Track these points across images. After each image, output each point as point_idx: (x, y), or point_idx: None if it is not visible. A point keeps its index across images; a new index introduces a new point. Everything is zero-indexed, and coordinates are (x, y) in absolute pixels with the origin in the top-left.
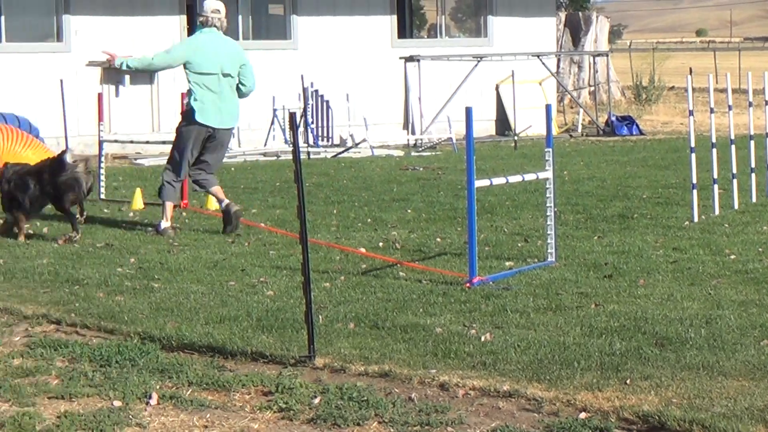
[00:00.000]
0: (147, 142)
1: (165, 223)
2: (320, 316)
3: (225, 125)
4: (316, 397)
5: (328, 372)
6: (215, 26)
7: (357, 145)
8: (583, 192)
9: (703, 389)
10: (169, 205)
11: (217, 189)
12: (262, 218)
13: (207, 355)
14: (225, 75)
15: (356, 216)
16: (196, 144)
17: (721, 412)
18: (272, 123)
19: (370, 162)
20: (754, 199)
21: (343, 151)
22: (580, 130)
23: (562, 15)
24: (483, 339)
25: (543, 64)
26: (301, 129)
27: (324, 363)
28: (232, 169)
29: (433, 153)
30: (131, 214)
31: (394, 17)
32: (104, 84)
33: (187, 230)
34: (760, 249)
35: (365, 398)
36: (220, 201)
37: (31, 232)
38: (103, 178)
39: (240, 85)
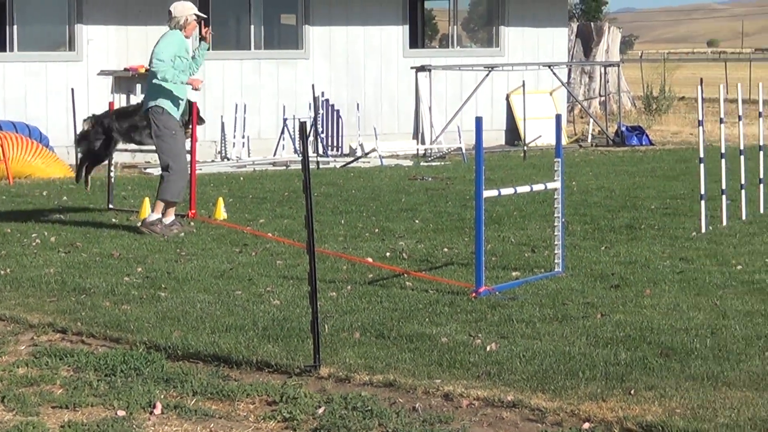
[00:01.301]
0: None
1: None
2: (326, 326)
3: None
4: (320, 407)
5: (333, 381)
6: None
7: (366, 155)
8: (591, 202)
9: (707, 400)
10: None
11: None
12: (269, 228)
13: (212, 364)
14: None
15: (364, 226)
16: None
17: (724, 423)
18: (282, 132)
19: (379, 172)
20: (762, 210)
21: (352, 161)
22: (590, 140)
23: (574, 25)
24: (488, 349)
25: (554, 74)
26: (311, 139)
27: (329, 372)
28: (241, 178)
29: (443, 163)
30: (139, 223)
31: (406, 27)
32: (115, 93)
33: (195, 239)
34: (766, 260)
35: (369, 408)
36: None
37: (38, 241)
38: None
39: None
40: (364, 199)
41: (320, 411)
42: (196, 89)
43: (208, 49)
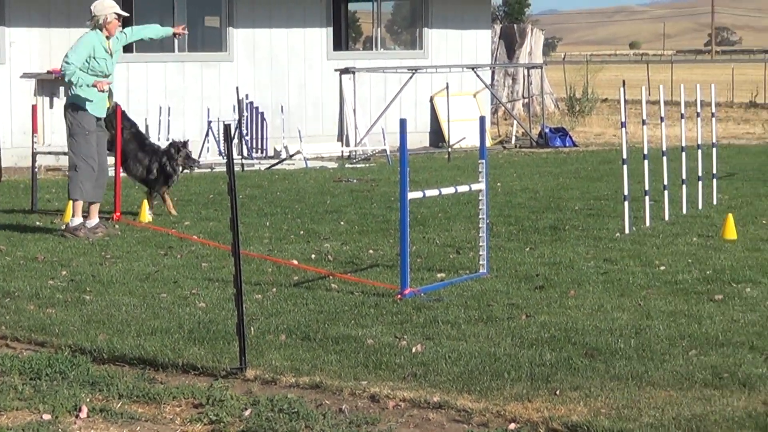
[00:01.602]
0: None
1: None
2: (252, 328)
3: None
4: (246, 409)
5: (259, 384)
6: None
7: (291, 157)
8: (516, 204)
9: (631, 399)
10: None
11: None
12: (195, 230)
13: (138, 367)
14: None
15: (289, 228)
16: None
17: (649, 422)
18: (207, 135)
19: (303, 174)
20: (684, 211)
21: (277, 163)
22: (513, 141)
23: (498, 27)
24: (414, 350)
25: (478, 76)
26: (235, 141)
27: (255, 375)
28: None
29: (367, 165)
30: (64, 226)
31: (330, 29)
32: (39, 96)
33: (120, 242)
34: (689, 260)
35: (296, 410)
36: None
37: None
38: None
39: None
40: (289, 201)
41: (247, 413)
42: (101, 90)
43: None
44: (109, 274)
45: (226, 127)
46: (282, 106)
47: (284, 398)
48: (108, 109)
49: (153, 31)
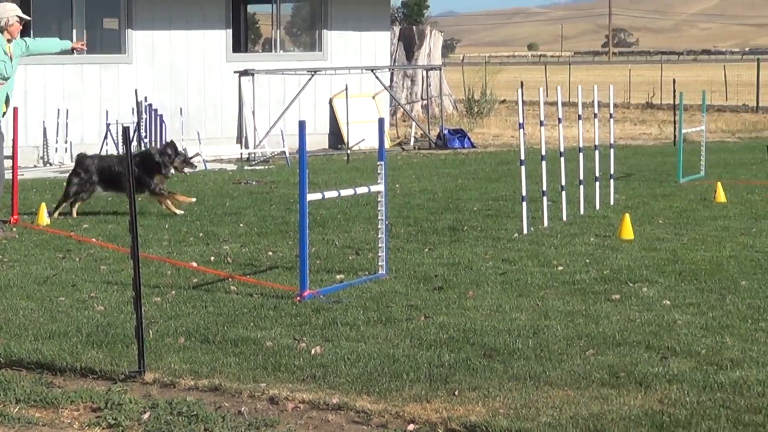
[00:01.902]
0: None
1: None
2: (150, 331)
3: None
4: (145, 412)
5: (158, 387)
6: None
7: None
8: (415, 205)
9: (529, 399)
10: None
11: None
12: (93, 233)
13: (35, 371)
14: None
15: (188, 230)
16: None
17: (547, 422)
18: (105, 137)
19: (203, 176)
20: (582, 211)
21: None
22: (412, 143)
23: (396, 29)
24: (313, 352)
25: (377, 77)
26: (134, 143)
27: (154, 378)
28: (64, 184)
29: (267, 167)
30: None
31: (230, 31)
32: None
33: (17, 245)
34: (587, 260)
35: (195, 413)
36: None
37: None
38: None
39: None
40: (189, 203)
41: (145, 416)
42: None
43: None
44: (6, 277)
45: (125, 130)
46: (181, 109)
47: (183, 401)
48: (4, 113)
49: (53, 44)
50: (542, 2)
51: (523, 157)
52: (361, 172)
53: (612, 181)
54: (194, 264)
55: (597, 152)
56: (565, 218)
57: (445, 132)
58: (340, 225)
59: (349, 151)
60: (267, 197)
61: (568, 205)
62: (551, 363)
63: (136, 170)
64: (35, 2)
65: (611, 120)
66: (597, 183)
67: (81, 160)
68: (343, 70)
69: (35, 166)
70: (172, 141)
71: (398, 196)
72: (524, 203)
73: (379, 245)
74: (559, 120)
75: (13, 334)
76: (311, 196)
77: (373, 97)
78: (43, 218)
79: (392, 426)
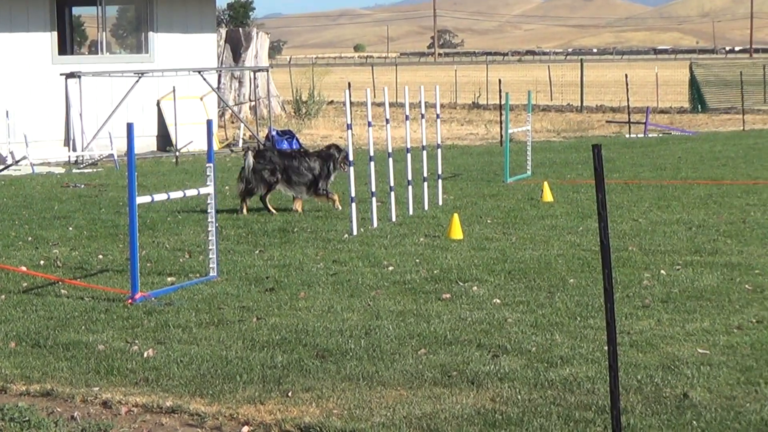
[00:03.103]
0: None
1: None
2: None
3: None
4: None
5: None
6: None
7: (17, 162)
8: None
9: (363, 399)
10: None
11: None
12: None
13: None
14: None
15: (17, 234)
16: None
17: (380, 422)
18: None
19: (30, 180)
20: (411, 212)
21: (2, 169)
22: (240, 144)
23: (223, 31)
24: (146, 355)
25: (204, 79)
26: None
27: None
28: None
29: (95, 170)
30: None
31: (55, 34)
32: None
33: None
34: (417, 260)
35: (27, 419)
36: None
37: None
38: None
39: None
40: (16, 207)
41: None
42: None
43: None
44: None
45: None
46: (7, 111)
47: (15, 407)
48: None
49: None
50: (367, 3)
51: (351, 158)
52: (190, 174)
53: (440, 181)
54: (24, 268)
55: (425, 152)
56: (394, 219)
57: (273, 133)
58: (170, 228)
59: (177, 154)
60: (96, 200)
61: (397, 206)
62: (384, 363)
63: None
64: None
65: (438, 120)
66: (425, 183)
67: None
68: (171, 72)
69: None
70: None
71: (228, 199)
72: (353, 204)
73: (210, 247)
74: (387, 120)
75: None
76: (140, 199)
77: (201, 99)
78: None
79: (226, 428)
